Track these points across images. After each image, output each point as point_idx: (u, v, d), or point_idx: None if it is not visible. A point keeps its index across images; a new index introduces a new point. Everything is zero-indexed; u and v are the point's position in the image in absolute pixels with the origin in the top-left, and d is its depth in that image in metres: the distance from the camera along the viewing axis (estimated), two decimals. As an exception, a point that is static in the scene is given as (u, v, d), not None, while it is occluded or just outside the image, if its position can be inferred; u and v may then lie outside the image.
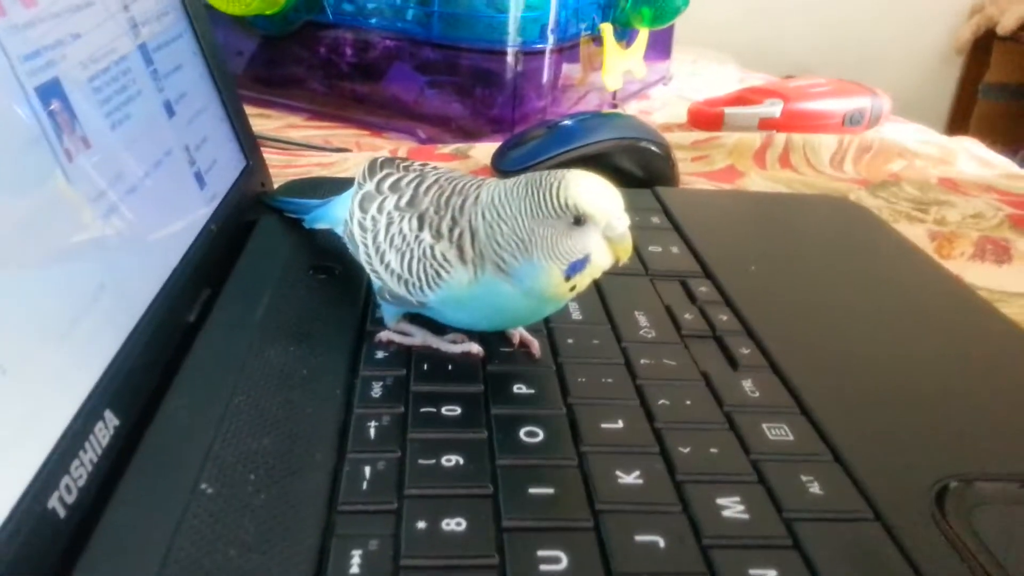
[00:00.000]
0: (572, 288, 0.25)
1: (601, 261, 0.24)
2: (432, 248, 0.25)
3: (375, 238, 0.27)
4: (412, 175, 0.27)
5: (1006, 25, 1.86)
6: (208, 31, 0.38)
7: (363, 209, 0.28)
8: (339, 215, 0.31)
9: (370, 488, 0.21)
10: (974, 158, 0.60)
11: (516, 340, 0.28)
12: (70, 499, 0.20)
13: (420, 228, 0.25)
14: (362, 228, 0.27)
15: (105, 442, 0.22)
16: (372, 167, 0.28)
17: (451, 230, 0.25)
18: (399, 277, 0.26)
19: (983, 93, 1.96)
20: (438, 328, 0.28)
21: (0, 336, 0.19)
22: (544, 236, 0.23)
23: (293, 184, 0.41)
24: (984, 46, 1.96)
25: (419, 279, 0.25)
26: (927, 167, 0.57)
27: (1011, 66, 1.89)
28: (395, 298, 0.27)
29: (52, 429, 0.20)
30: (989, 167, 0.59)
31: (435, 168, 0.28)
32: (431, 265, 0.25)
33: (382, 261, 0.27)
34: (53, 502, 0.19)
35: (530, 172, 0.25)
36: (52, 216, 0.22)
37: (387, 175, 0.28)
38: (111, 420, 0.22)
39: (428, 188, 0.26)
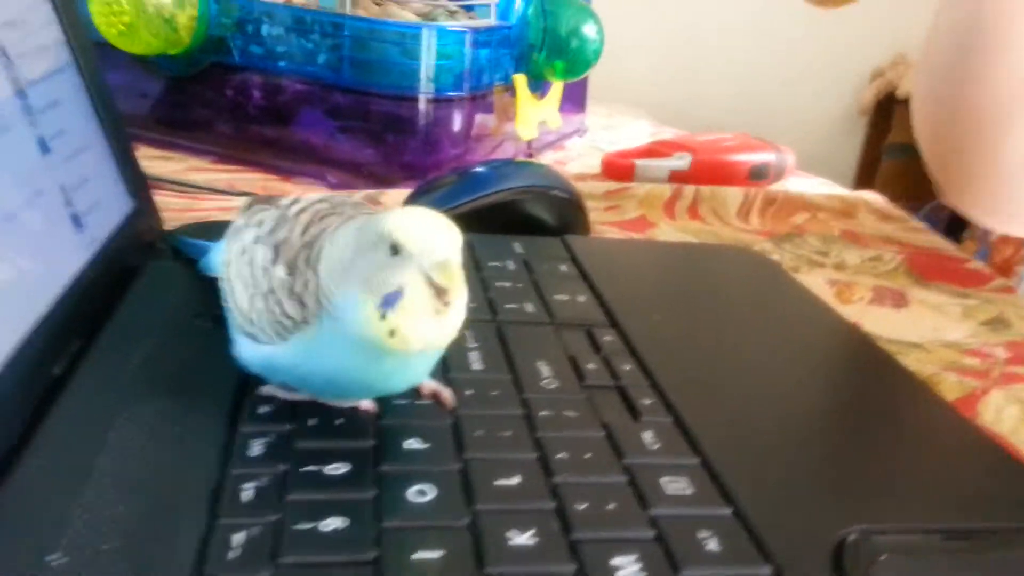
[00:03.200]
0: (392, 333, 0.22)
1: (416, 296, 0.22)
2: (283, 285, 0.23)
3: (229, 271, 0.25)
4: (286, 206, 0.25)
5: (905, 89, 1.98)
6: (95, 68, 0.36)
7: (229, 244, 0.26)
8: (217, 261, 0.29)
9: (241, 558, 0.19)
10: (874, 212, 0.63)
11: (425, 392, 0.27)
12: None
13: (274, 259, 0.24)
14: (226, 264, 0.26)
15: (-62, 511, 0.19)
16: (250, 203, 0.27)
17: (302, 271, 0.23)
18: (246, 315, 0.24)
19: (887, 153, 2.08)
20: None
21: None
22: (361, 266, 0.22)
23: (199, 225, 0.39)
24: (886, 108, 2.08)
25: (261, 318, 0.24)
26: (829, 220, 0.59)
27: (910, 127, 2.01)
28: (250, 337, 0.25)
29: None
30: (889, 220, 0.61)
31: (315, 198, 0.26)
32: (276, 301, 0.23)
33: (232, 295, 0.25)
34: None
35: None
36: None
37: (261, 209, 0.26)
38: (-52, 486, 0.20)
39: (297, 215, 0.24)
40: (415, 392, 0.26)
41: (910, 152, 2.07)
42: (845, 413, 0.29)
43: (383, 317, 0.22)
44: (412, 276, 0.22)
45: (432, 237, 0.22)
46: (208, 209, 0.51)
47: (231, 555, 0.19)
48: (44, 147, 0.30)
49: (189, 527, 0.20)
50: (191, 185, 0.54)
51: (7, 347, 0.24)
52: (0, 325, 0.24)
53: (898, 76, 2.02)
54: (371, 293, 0.22)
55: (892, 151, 2.06)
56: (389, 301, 0.22)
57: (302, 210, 0.25)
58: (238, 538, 0.20)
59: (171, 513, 0.21)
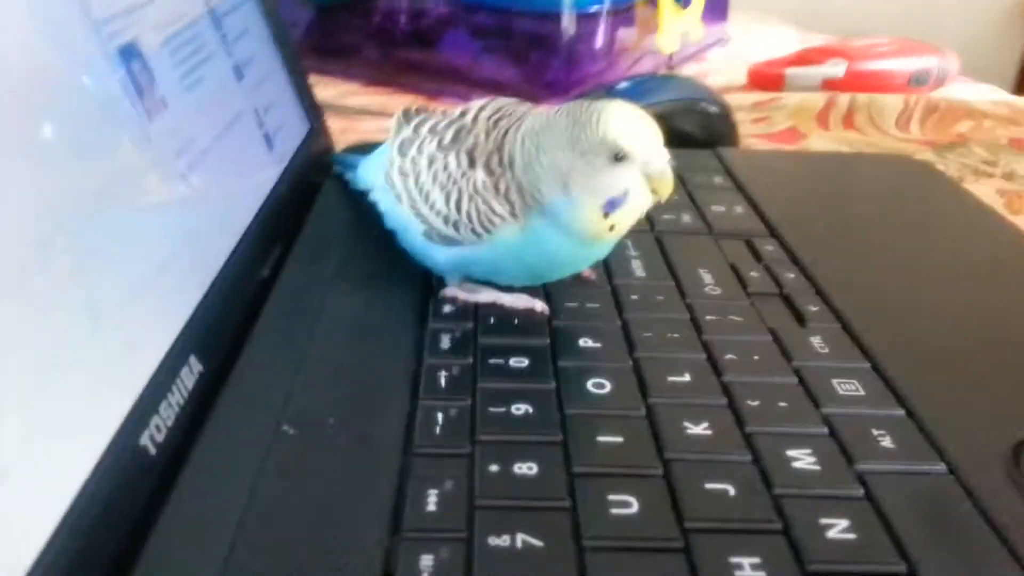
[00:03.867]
0: (611, 227, 0.24)
1: (639, 198, 0.24)
2: (484, 185, 0.25)
3: (418, 180, 0.27)
4: (451, 117, 0.27)
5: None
6: (272, -2, 0.38)
7: (402, 153, 0.28)
8: (372, 177, 0.31)
9: (443, 433, 0.22)
10: (1048, 118, 0.58)
11: (587, 274, 0.29)
12: (160, 438, 0.21)
13: (471, 165, 0.25)
14: (402, 174, 0.27)
15: (190, 386, 0.23)
16: (406, 113, 0.29)
17: (499, 173, 0.25)
18: (447, 218, 0.26)
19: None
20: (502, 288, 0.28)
21: (92, 284, 0.20)
22: (582, 171, 0.23)
23: (361, 146, 0.41)
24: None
25: (469, 218, 0.25)
26: (996, 127, 0.55)
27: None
28: (444, 240, 0.26)
29: (141, 372, 0.21)
30: (1064, 127, 0.57)
31: (479, 104, 0.27)
32: (484, 202, 0.25)
33: (427, 201, 0.26)
34: (144, 440, 0.20)
35: (571, 102, 0.24)
36: (136, 171, 0.23)
37: (424, 120, 0.28)
38: (196, 366, 0.23)
39: (475, 117, 0.26)
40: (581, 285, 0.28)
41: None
42: (1017, 319, 0.28)
43: (606, 215, 0.24)
44: (635, 181, 0.24)
45: (653, 145, 0.24)
46: (365, 131, 0.53)
47: (438, 431, 0.22)
48: (239, 73, 0.32)
49: (395, 407, 0.23)
50: (348, 109, 0.57)
51: (223, 253, 0.27)
52: (219, 230, 0.27)
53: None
54: (596, 196, 0.24)
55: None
56: (615, 203, 0.24)
57: (476, 117, 0.26)
58: (440, 417, 0.22)
59: (379, 395, 0.23)
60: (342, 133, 0.52)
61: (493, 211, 0.25)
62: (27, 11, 0.20)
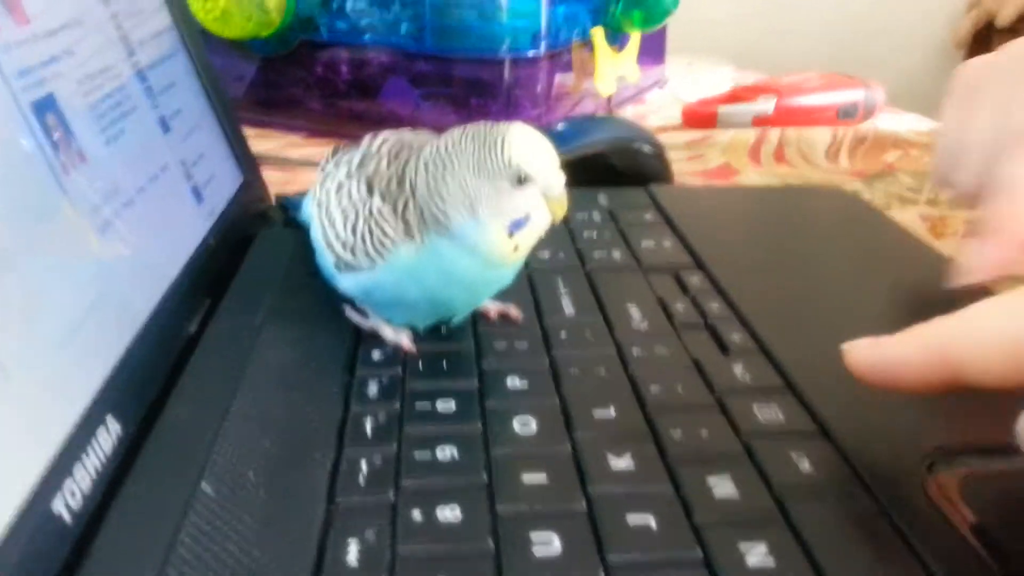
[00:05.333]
0: (515, 248, 0.25)
1: (540, 219, 0.25)
2: (379, 210, 0.26)
3: (327, 208, 0.28)
4: (367, 142, 0.28)
5: (1005, 17, 1.86)
6: (202, 51, 0.38)
7: (322, 186, 0.29)
8: (307, 208, 0.32)
9: (367, 481, 0.22)
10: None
11: (493, 314, 0.29)
12: (74, 503, 0.20)
13: (369, 192, 0.26)
14: (318, 205, 0.28)
15: (108, 448, 0.22)
16: (335, 150, 0.30)
17: (396, 198, 0.26)
18: (345, 243, 0.27)
19: (985, 86, 1.95)
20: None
21: (5, 341, 0.19)
22: (488, 194, 0.24)
23: (302, 193, 0.41)
24: (984, 39, 1.95)
25: (364, 240, 0.26)
26: (922, 156, 0.57)
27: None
28: (347, 268, 0.27)
29: (55, 434, 0.21)
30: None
31: (383, 136, 0.28)
32: (376, 224, 0.26)
33: (333, 227, 0.27)
34: (58, 506, 0.20)
35: (473, 124, 0.25)
36: (50, 227, 0.23)
37: (345, 152, 0.29)
38: (113, 426, 0.23)
39: (379, 148, 0.27)
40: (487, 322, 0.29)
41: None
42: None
43: (511, 236, 0.25)
44: (537, 202, 0.25)
45: (552, 169, 0.25)
46: (305, 182, 0.53)
47: (361, 480, 0.22)
48: (165, 126, 0.33)
49: (320, 458, 0.23)
50: (289, 160, 0.57)
51: (147, 309, 0.27)
52: (142, 285, 0.27)
53: (996, 3, 1.90)
54: (502, 218, 0.25)
55: (993, 84, 1.93)
56: (519, 224, 0.25)
57: (382, 143, 0.27)
58: (364, 465, 0.22)
59: (303, 446, 0.23)
60: (285, 184, 0.52)
61: (385, 233, 0.26)
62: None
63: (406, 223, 0.25)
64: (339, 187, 0.27)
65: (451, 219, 0.25)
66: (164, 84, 0.34)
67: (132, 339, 0.25)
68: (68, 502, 0.20)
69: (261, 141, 0.63)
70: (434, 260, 0.26)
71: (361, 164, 0.27)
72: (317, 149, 0.61)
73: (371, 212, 0.26)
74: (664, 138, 0.53)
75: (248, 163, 0.40)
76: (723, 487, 0.21)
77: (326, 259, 0.28)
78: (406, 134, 0.28)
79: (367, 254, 0.26)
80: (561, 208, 0.26)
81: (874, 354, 0.22)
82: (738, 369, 0.26)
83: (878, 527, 0.20)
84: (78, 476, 0.21)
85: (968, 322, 0.20)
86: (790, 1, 1.84)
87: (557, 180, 0.25)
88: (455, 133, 0.25)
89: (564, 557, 0.19)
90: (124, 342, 0.25)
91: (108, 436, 0.22)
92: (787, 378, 0.26)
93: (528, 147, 0.25)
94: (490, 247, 0.25)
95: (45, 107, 0.24)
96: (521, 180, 0.24)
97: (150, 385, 0.25)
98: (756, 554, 0.19)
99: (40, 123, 0.24)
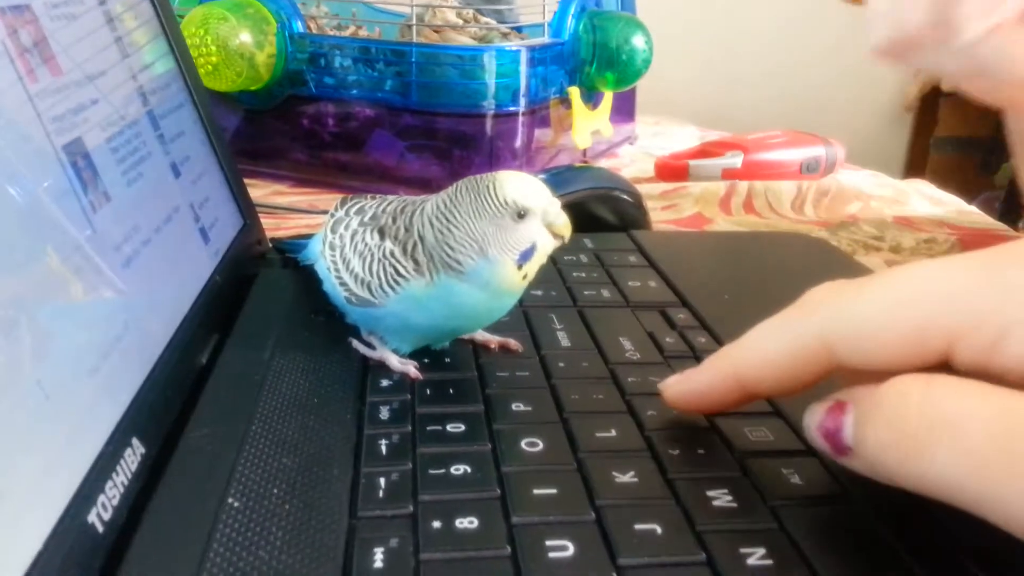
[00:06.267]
0: (524, 277, 0.28)
1: (545, 245, 0.28)
2: (392, 252, 0.28)
3: (342, 251, 0.30)
4: (375, 201, 0.31)
5: (951, 82, 1.96)
6: (206, 102, 0.40)
7: (333, 231, 0.32)
8: (316, 248, 0.34)
9: (386, 496, 0.23)
10: (926, 198, 0.64)
11: (494, 346, 0.31)
12: (107, 515, 0.21)
13: (381, 238, 0.29)
14: (331, 247, 0.31)
15: (134, 466, 0.23)
16: (343, 200, 0.33)
17: (405, 241, 0.28)
18: (362, 280, 0.29)
19: (935, 147, 2.05)
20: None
21: (44, 365, 0.20)
22: (494, 234, 0.27)
23: (293, 237, 0.43)
24: (932, 102, 2.06)
25: (379, 278, 0.28)
26: (882, 208, 0.61)
27: (958, 120, 1.99)
28: (360, 302, 0.29)
29: (88, 451, 0.22)
30: (940, 205, 0.63)
31: (389, 199, 0.31)
32: (390, 264, 0.28)
33: (348, 268, 0.30)
34: (92, 517, 0.20)
35: (463, 180, 0.28)
36: (82, 261, 0.24)
37: (355, 203, 0.32)
38: (138, 447, 0.24)
39: (386, 207, 0.30)
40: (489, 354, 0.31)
41: (958, 146, 2.04)
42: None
43: (519, 267, 0.27)
44: (539, 231, 0.27)
45: (545, 196, 0.27)
46: (292, 227, 0.55)
47: (380, 494, 0.23)
48: (176, 171, 0.34)
49: (339, 476, 0.24)
50: (277, 207, 0.58)
51: (163, 340, 0.28)
52: (158, 319, 0.28)
53: (943, 69, 2.00)
54: (511, 252, 0.27)
55: (940, 145, 2.04)
56: (526, 256, 0.27)
57: (388, 204, 0.31)
58: (383, 481, 0.23)
59: (321, 465, 0.24)
60: (275, 230, 0.54)
61: (398, 272, 0.28)
62: (-18, 112, 0.21)
63: (415, 261, 0.28)
64: (353, 234, 0.30)
65: (463, 264, 0.27)
66: (174, 132, 0.35)
67: (151, 368, 0.26)
68: (101, 514, 0.21)
69: (248, 189, 0.64)
70: (443, 295, 0.28)
71: (373, 216, 0.30)
72: (303, 197, 0.63)
73: (384, 254, 0.28)
74: (639, 188, 0.56)
75: (247, 208, 0.42)
76: (721, 498, 0.23)
77: (338, 293, 0.30)
78: (408, 197, 0.31)
79: (382, 289, 0.28)
80: (566, 229, 0.28)
81: (683, 387, 0.26)
82: (727, 393, 0.28)
83: (863, 533, 0.22)
84: (109, 491, 0.21)
85: (748, 344, 0.24)
86: (747, 67, 1.93)
87: (554, 206, 0.28)
88: (450, 190, 0.28)
89: (578, 560, 0.20)
90: (144, 370, 0.26)
91: (134, 455, 0.23)
92: (772, 403, 0.28)
93: (519, 184, 0.27)
94: (500, 280, 0.27)
95: (75, 149, 0.26)
96: (521, 214, 0.27)
97: (169, 411, 0.26)
98: (756, 556, 0.21)
99: (71, 164, 0.25)
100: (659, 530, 0.22)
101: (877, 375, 0.20)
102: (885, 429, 0.19)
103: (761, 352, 0.24)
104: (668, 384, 0.26)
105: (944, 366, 0.20)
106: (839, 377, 0.23)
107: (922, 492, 0.19)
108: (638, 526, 0.22)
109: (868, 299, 0.21)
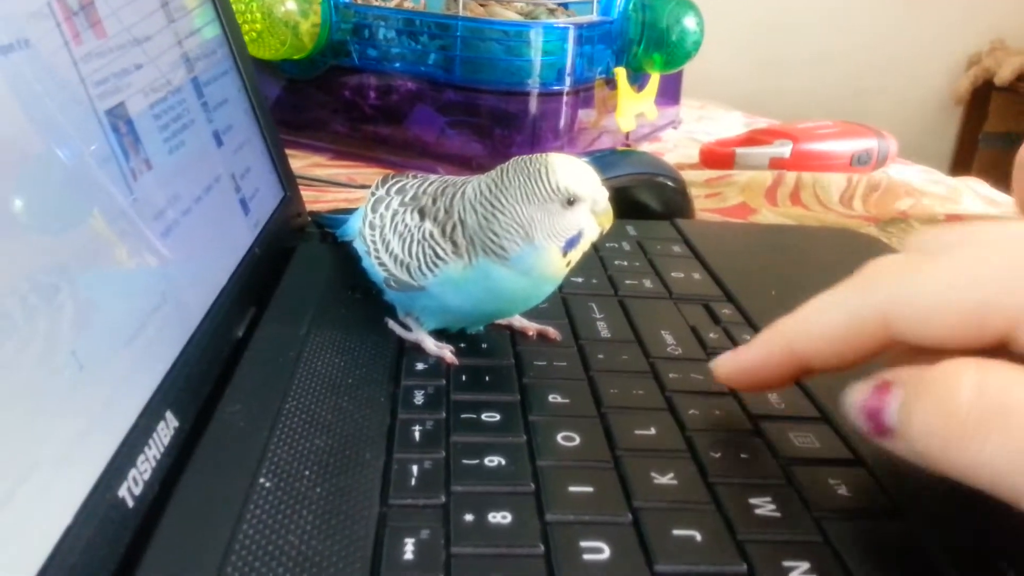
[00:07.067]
0: (568, 264, 0.27)
1: (591, 233, 0.27)
2: (431, 234, 0.28)
3: (382, 232, 0.30)
4: (416, 180, 0.30)
5: (1003, 77, 1.91)
6: (251, 70, 0.40)
7: (373, 211, 0.31)
8: (353, 229, 0.34)
9: (418, 484, 0.22)
10: (980, 197, 0.62)
11: (532, 333, 0.31)
12: (137, 490, 0.21)
13: (421, 219, 0.28)
14: (371, 227, 0.31)
15: (167, 440, 0.23)
16: (384, 179, 0.32)
17: (444, 223, 0.27)
18: (401, 262, 0.29)
19: (983, 142, 2.00)
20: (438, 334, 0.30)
21: (80, 334, 0.20)
22: (542, 220, 0.26)
23: (332, 211, 0.43)
24: (982, 96, 2.00)
25: (419, 260, 0.28)
26: (934, 205, 0.59)
27: (1009, 116, 1.93)
28: (399, 284, 0.29)
29: (121, 424, 0.21)
30: (995, 205, 0.60)
31: (430, 179, 0.31)
32: (429, 247, 0.28)
33: (387, 249, 0.29)
34: (123, 491, 0.20)
35: (511, 161, 0.27)
36: (122, 228, 0.24)
37: (396, 182, 0.31)
38: (171, 421, 0.23)
39: (427, 187, 0.29)
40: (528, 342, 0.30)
41: (1008, 142, 1.99)
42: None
43: (564, 254, 0.27)
44: (586, 219, 0.27)
45: (596, 183, 0.27)
46: (331, 200, 0.55)
47: (413, 482, 0.22)
48: (218, 140, 0.34)
49: (371, 461, 0.23)
50: (316, 179, 0.58)
51: (200, 312, 0.28)
52: (196, 290, 0.28)
53: (996, 63, 1.94)
54: (557, 239, 0.26)
55: (989, 140, 1.98)
56: (572, 243, 0.27)
57: (429, 184, 0.30)
58: (415, 469, 0.23)
59: (354, 449, 0.24)
60: (313, 203, 0.53)
61: (437, 254, 0.27)
62: (27, 74, 0.21)
63: (454, 243, 0.27)
64: (394, 215, 0.29)
65: (508, 250, 0.26)
66: (218, 100, 0.35)
67: (187, 340, 0.26)
68: (132, 489, 0.20)
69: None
70: (480, 278, 0.27)
71: (414, 197, 0.29)
72: (342, 170, 0.62)
73: (424, 236, 0.28)
74: (683, 175, 0.55)
75: (288, 180, 0.41)
76: (764, 507, 0.22)
77: (376, 272, 0.30)
78: (449, 177, 0.30)
79: (420, 271, 0.28)
80: (608, 219, 0.27)
81: (735, 363, 0.25)
82: (773, 398, 0.27)
83: (912, 551, 0.21)
84: (140, 465, 0.21)
85: (804, 317, 0.23)
86: (796, 55, 1.88)
87: (602, 195, 0.27)
88: (495, 172, 0.27)
89: (613, 564, 0.20)
90: (180, 342, 0.26)
91: (167, 429, 0.23)
92: (818, 405, 0.27)
93: (572, 170, 0.26)
94: (544, 267, 0.27)
95: (117, 115, 0.25)
96: (571, 201, 0.26)
97: (203, 384, 0.26)
98: (799, 571, 0.20)
99: (113, 129, 0.25)
100: (698, 537, 0.21)
101: (925, 357, 0.19)
102: (933, 413, 0.18)
103: (819, 325, 0.23)
104: (719, 362, 0.25)
105: (1002, 350, 0.19)
106: (881, 359, 0.22)
107: (964, 480, 0.18)
108: (676, 531, 0.21)
109: (930, 275, 0.21)
